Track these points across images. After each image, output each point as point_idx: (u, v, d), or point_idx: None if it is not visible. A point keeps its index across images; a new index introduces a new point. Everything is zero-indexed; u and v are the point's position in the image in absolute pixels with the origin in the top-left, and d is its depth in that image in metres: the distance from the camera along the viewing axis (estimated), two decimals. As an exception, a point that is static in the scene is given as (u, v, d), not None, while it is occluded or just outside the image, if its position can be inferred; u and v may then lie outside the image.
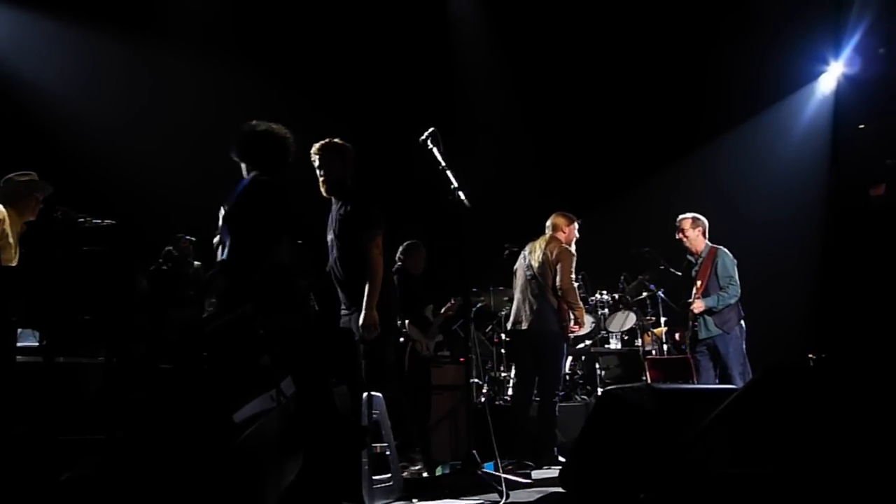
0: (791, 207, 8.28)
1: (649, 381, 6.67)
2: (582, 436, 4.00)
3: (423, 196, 6.37)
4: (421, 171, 5.20)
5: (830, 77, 8.59)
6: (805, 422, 2.97)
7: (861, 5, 8.23)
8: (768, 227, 8.10)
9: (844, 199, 8.19)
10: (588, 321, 7.44)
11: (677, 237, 6.33)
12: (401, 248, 6.55)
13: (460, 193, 4.87)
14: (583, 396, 7.17)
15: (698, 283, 6.20)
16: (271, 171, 3.95)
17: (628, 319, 7.64)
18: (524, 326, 6.02)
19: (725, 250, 6.28)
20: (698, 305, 6.11)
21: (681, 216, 6.36)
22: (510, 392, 6.97)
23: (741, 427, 3.14)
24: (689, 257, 6.36)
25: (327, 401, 3.12)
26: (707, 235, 6.33)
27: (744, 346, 6.10)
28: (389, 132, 7.70)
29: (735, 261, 6.24)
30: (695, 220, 6.32)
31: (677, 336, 7.27)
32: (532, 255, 6.14)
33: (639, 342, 7.47)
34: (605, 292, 7.61)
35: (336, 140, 4.89)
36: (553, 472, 4.91)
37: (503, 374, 7.37)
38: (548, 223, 6.23)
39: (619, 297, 7.71)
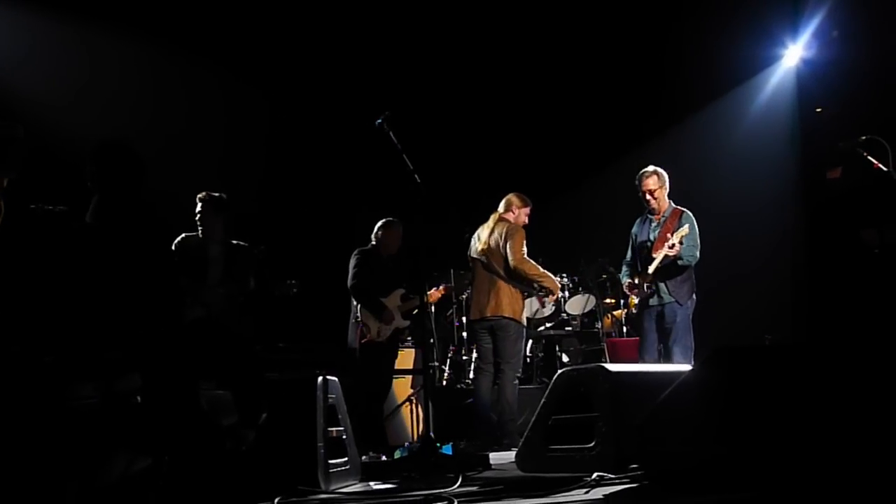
0: (755, 192, 8.34)
1: (608, 362, 6.71)
2: (537, 418, 4.02)
3: (384, 178, 6.31)
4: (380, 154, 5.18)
5: (789, 60, 8.68)
6: (757, 403, 3.01)
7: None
8: (733, 214, 8.12)
9: (808, 184, 8.29)
10: (591, 300, 7.55)
11: (642, 195, 5.83)
12: (377, 226, 6.39)
13: (416, 177, 4.87)
14: (543, 379, 7.21)
15: (658, 244, 5.70)
16: None
17: (588, 302, 7.66)
18: (482, 314, 6.01)
19: (690, 213, 5.80)
20: (667, 249, 5.55)
21: (643, 172, 5.85)
22: (472, 375, 6.99)
23: (694, 407, 3.17)
24: (650, 216, 5.87)
25: (187, 401, 3.08)
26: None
27: (690, 320, 5.69)
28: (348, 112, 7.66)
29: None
30: (660, 176, 5.83)
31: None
32: (479, 242, 6.13)
33: (598, 325, 7.51)
34: (564, 275, 7.64)
35: None
36: (511, 454, 4.94)
37: (464, 358, 7.39)
38: (502, 201, 6.20)
39: (579, 279, 7.74)
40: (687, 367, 3.81)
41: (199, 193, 5.39)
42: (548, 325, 7.74)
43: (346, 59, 8.21)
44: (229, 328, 5.01)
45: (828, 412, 2.88)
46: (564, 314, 7.73)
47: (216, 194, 5.38)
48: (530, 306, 6.83)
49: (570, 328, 7.77)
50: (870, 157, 5.35)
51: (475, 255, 6.15)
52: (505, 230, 5.99)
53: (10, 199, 3.45)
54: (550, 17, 8.43)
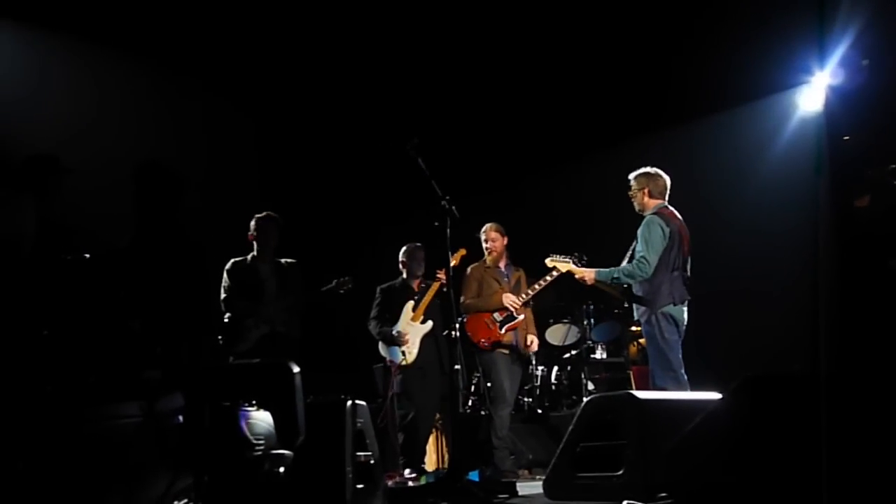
0: (778, 215, 8.23)
1: (634, 389, 6.67)
2: (565, 445, 4.02)
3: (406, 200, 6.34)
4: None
5: (815, 88, 8.64)
6: (786, 432, 3.00)
7: (846, 17, 8.30)
8: (751, 233, 8.00)
9: (833, 210, 8.20)
10: (573, 331, 7.51)
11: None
12: (401, 252, 6.42)
13: (446, 203, 4.93)
14: (568, 406, 7.20)
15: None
16: None
17: (570, 333, 7.60)
18: None
19: (657, 216, 5.09)
20: (584, 274, 5.15)
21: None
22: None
23: (724, 436, 3.17)
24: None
25: (227, 421, 3.13)
26: (657, 196, 5.25)
27: (667, 344, 4.93)
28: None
29: (663, 232, 5.03)
30: (638, 177, 5.28)
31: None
32: None
33: (624, 353, 7.49)
34: (590, 302, 7.64)
35: None
36: (537, 482, 4.93)
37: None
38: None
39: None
40: (716, 396, 3.80)
41: (260, 213, 5.53)
42: (573, 352, 7.73)
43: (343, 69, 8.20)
44: (293, 341, 5.22)
45: (857, 443, 2.86)
46: (590, 342, 7.71)
47: (275, 215, 5.53)
48: (556, 334, 6.84)
49: (594, 356, 7.75)
50: (899, 186, 5.30)
51: None
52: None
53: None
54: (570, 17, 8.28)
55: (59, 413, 2.71)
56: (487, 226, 6.25)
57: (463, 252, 5.98)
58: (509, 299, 5.93)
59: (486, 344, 5.98)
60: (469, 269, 6.20)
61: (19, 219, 3.33)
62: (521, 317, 5.95)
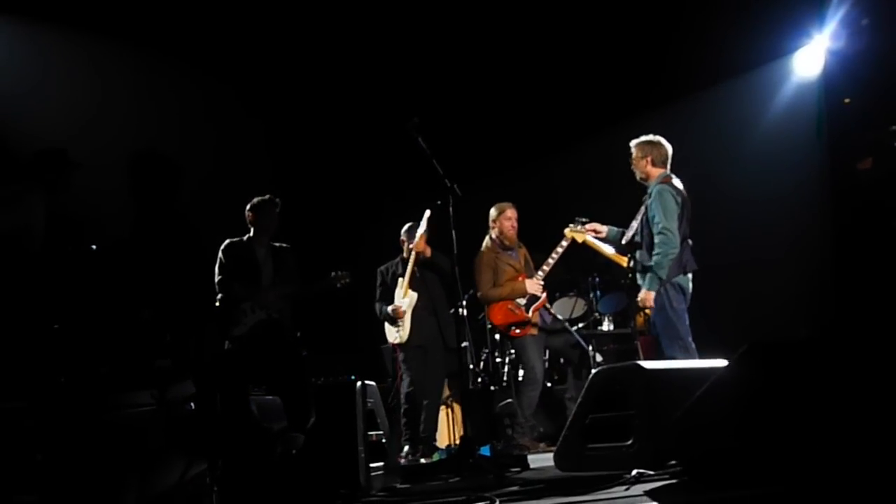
0: (779, 179, 8.19)
1: (642, 360, 6.69)
2: (574, 416, 4.06)
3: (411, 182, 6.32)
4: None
5: (814, 51, 8.57)
6: (793, 398, 3.02)
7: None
8: (754, 199, 7.97)
9: (835, 174, 8.18)
10: (580, 304, 7.53)
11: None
12: (402, 230, 6.42)
13: (448, 182, 4.94)
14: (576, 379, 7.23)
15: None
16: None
17: (577, 306, 7.61)
18: None
19: (666, 185, 5.02)
20: (644, 297, 5.00)
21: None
22: (505, 378, 7.05)
23: (731, 402, 3.19)
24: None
25: (238, 407, 3.18)
26: (659, 165, 5.18)
27: (675, 313, 5.00)
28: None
29: (675, 201, 4.97)
30: (640, 144, 5.21)
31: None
32: None
33: (631, 323, 7.49)
34: (596, 274, 7.64)
35: None
36: (548, 454, 4.98)
37: (497, 360, 7.43)
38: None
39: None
40: (723, 363, 3.82)
41: (262, 196, 5.40)
42: (580, 324, 7.74)
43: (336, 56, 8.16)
44: (288, 328, 5.16)
45: (863, 407, 2.89)
46: (597, 314, 7.73)
47: (276, 199, 5.42)
48: (563, 307, 6.86)
49: (602, 328, 7.77)
50: (900, 147, 5.29)
51: None
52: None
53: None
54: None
55: (74, 404, 2.75)
56: (503, 204, 6.20)
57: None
58: (534, 287, 5.95)
59: (517, 331, 6.05)
60: (479, 257, 6.16)
61: (30, 214, 3.36)
62: (544, 295, 6.00)
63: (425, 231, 5.99)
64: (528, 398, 6.00)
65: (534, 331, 6.10)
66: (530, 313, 6.00)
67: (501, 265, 6.13)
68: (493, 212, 6.27)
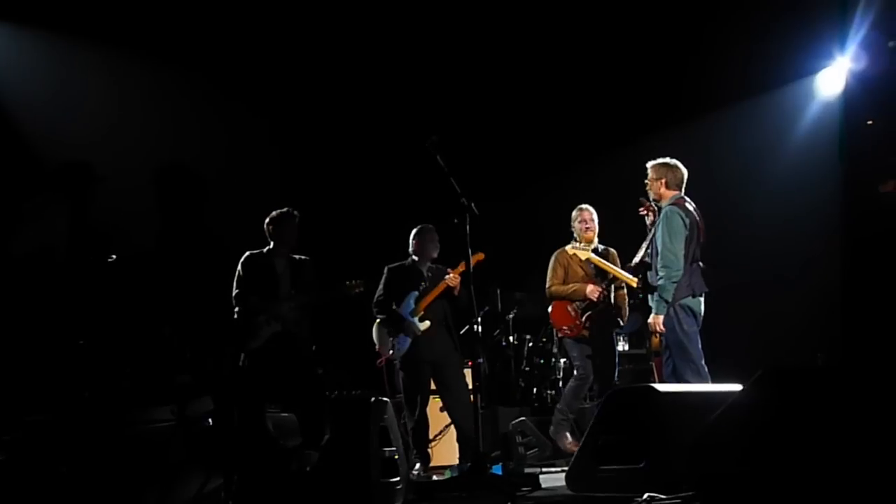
0: (798, 200, 8.14)
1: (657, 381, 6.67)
2: (587, 437, 4.06)
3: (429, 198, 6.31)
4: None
5: (835, 72, 8.53)
6: (807, 425, 3.01)
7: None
8: (773, 222, 7.92)
9: (856, 196, 8.12)
10: None
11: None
12: (412, 234, 6.15)
13: (465, 200, 4.95)
14: (590, 399, 7.20)
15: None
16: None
17: None
18: None
19: (675, 207, 5.07)
20: (653, 322, 5.09)
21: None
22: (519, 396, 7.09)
23: (745, 427, 3.18)
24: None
25: (254, 423, 3.22)
26: (674, 187, 5.21)
27: (686, 336, 5.05)
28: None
29: (683, 222, 5.03)
30: (656, 166, 5.25)
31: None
32: None
33: (647, 344, 7.46)
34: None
35: None
36: (560, 475, 4.98)
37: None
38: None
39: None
40: (737, 387, 3.82)
41: (282, 209, 5.35)
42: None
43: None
44: (304, 341, 5.11)
45: (879, 436, 2.87)
46: (613, 333, 7.71)
47: (295, 211, 5.39)
48: None
49: (617, 348, 7.73)
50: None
51: None
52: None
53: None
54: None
55: (98, 418, 2.79)
56: (583, 206, 6.21)
57: (480, 256, 5.61)
58: (595, 293, 5.99)
59: (567, 332, 6.15)
60: (556, 254, 6.20)
61: (54, 227, 3.42)
62: (602, 306, 6.03)
63: (465, 272, 5.58)
64: (569, 389, 6.14)
65: (584, 332, 6.12)
66: (583, 318, 6.05)
67: (574, 266, 6.16)
68: (573, 213, 6.29)
